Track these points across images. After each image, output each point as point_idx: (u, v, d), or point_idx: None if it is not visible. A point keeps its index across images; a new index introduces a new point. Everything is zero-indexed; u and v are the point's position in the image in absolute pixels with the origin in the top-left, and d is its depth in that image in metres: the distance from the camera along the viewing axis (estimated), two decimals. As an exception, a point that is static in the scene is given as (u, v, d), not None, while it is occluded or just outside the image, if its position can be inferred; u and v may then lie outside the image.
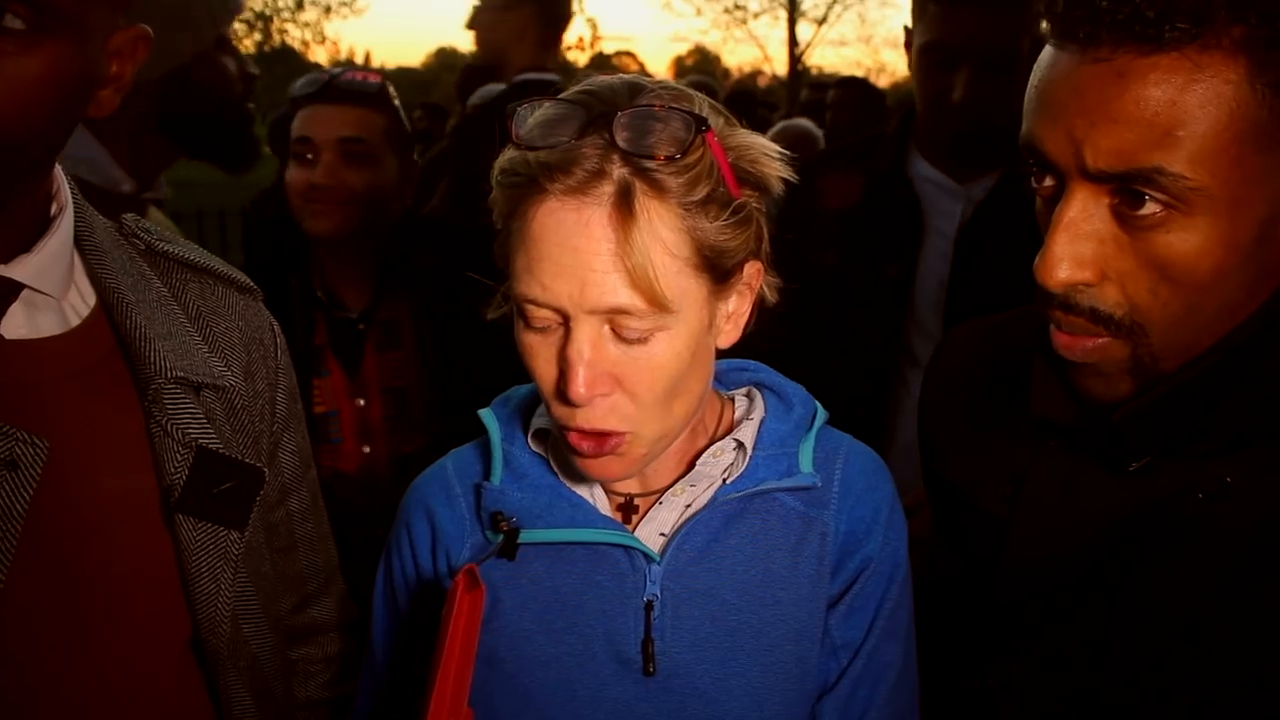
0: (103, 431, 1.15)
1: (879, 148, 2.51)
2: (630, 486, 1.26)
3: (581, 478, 1.24)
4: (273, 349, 1.35)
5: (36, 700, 1.10)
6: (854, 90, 6.14)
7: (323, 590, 1.47)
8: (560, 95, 1.13)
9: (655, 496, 1.25)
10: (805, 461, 1.24)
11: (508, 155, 1.12)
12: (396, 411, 2.36)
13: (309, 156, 2.30)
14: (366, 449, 2.34)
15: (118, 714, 1.15)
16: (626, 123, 1.07)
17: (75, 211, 1.17)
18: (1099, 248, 1.05)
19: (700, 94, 1.15)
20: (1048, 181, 1.08)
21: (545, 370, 1.13)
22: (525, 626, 1.22)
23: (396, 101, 2.42)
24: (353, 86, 2.34)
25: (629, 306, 1.07)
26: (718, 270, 1.12)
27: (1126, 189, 1.01)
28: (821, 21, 29.42)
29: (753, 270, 1.19)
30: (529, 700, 1.21)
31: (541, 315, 1.10)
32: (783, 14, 29.23)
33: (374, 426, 2.34)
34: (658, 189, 1.07)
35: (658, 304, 1.07)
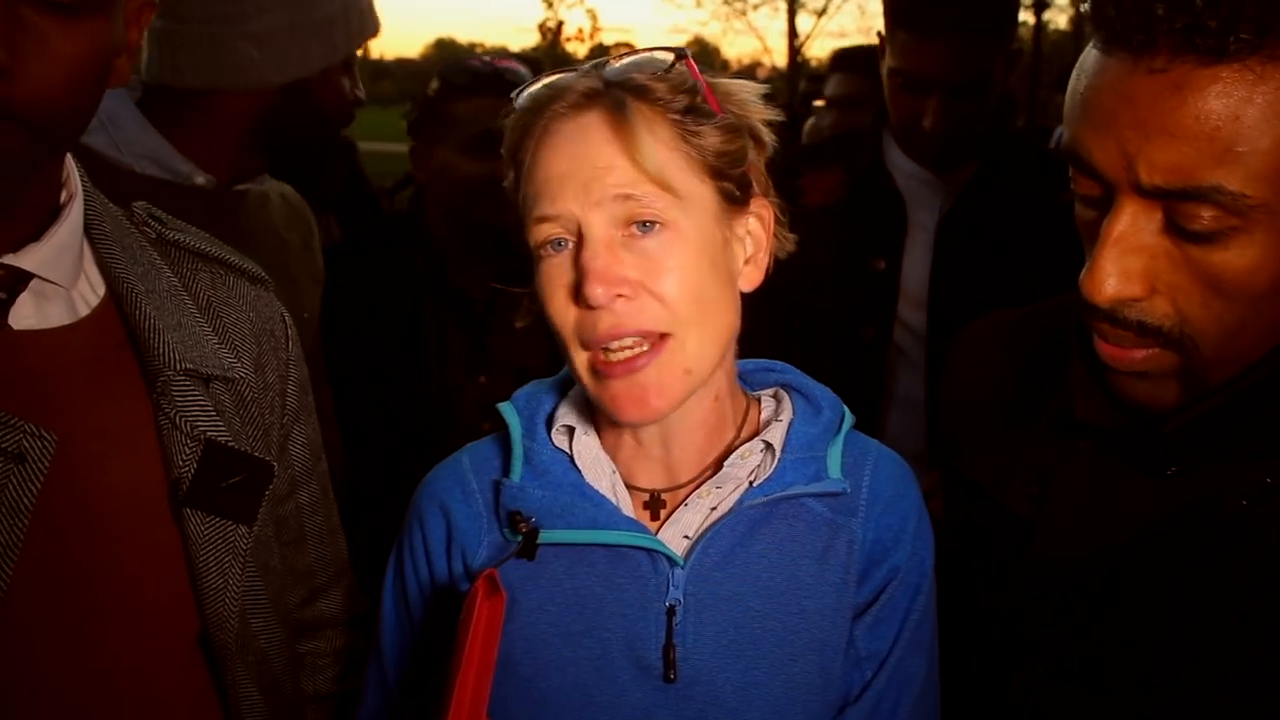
0: (111, 424, 1.13)
1: (857, 143, 2.51)
2: (656, 481, 1.23)
3: (604, 474, 1.22)
4: (284, 340, 1.34)
5: (44, 694, 1.08)
6: (848, 59, 6.05)
7: (332, 583, 1.46)
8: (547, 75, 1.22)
9: (680, 492, 1.23)
10: (834, 466, 1.22)
11: (511, 117, 1.19)
12: None
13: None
14: (486, 426, 2.34)
15: (125, 708, 1.14)
16: (615, 63, 1.17)
17: (85, 199, 1.16)
18: (1149, 262, 1.02)
19: None
20: (1090, 190, 1.05)
21: (564, 294, 1.13)
22: (543, 629, 1.20)
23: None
24: (516, 79, 2.28)
25: (634, 190, 1.11)
26: (723, 178, 1.17)
27: (1180, 204, 0.98)
28: (821, 13, 29.41)
29: (761, 205, 1.22)
30: (545, 705, 1.19)
31: (554, 231, 1.13)
32: (782, 5, 29.23)
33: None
34: (647, 98, 1.14)
35: (662, 183, 1.11)
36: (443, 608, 1.24)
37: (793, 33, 29.04)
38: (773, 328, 2.06)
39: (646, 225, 1.11)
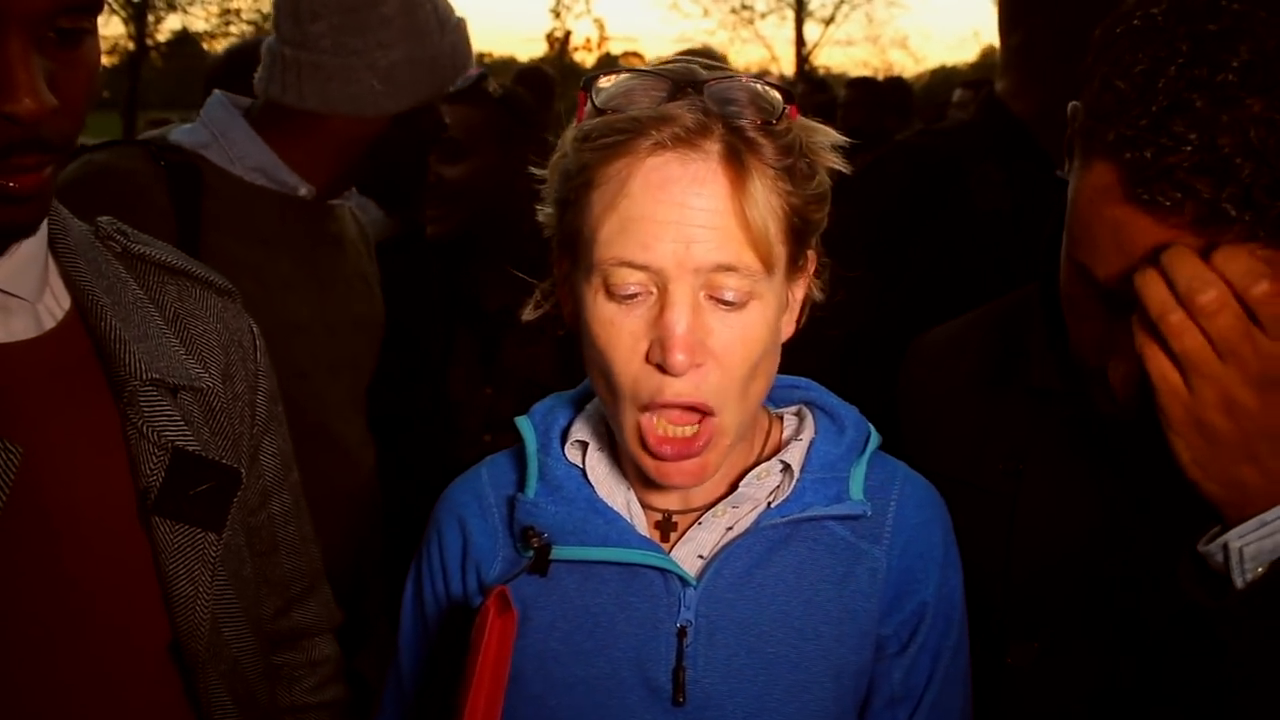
0: (78, 434, 1.14)
1: (1016, 143, 2.28)
2: (670, 502, 1.21)
3: (618, 491, 1.20)
4: (252, 350, 1.35)
5: (14, 704, 1.09)
6: (865, 89, 6.13)
7: (307, 594, 1.46)
8: (634, 69, 1.12)
9: (695, 514, 1.20)
10: (856, 488, 1.18)
11: (589, 122, 1.09)
12: (529, 405, 2.40)
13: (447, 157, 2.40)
14: (488, 438, 2.37)
15: (96, 717, 1.14)
16: (718, 90, 1.06)
17: (49, 214, 1.17)
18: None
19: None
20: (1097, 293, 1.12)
21: (629, 345, 1.07)
22: (553, 646, 1.18)
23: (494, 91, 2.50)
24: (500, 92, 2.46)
25: (738, 264, 1.04)
26: (799, 243, 1.11)
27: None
28: (829, 21, 29.36)
29: (812, 259, 1.17)
30: None
31: (634, 280, 1.05)
32: (790, 14, 29.18)
33: (503, 418, 2.37)
34: (754, 150, 1.06)
35: (768, 263, 1.05)
36: (457, 622, 1.24)
37: (800, 41, 29.03)
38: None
39: (736, 300, 1.07)
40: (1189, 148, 0.98)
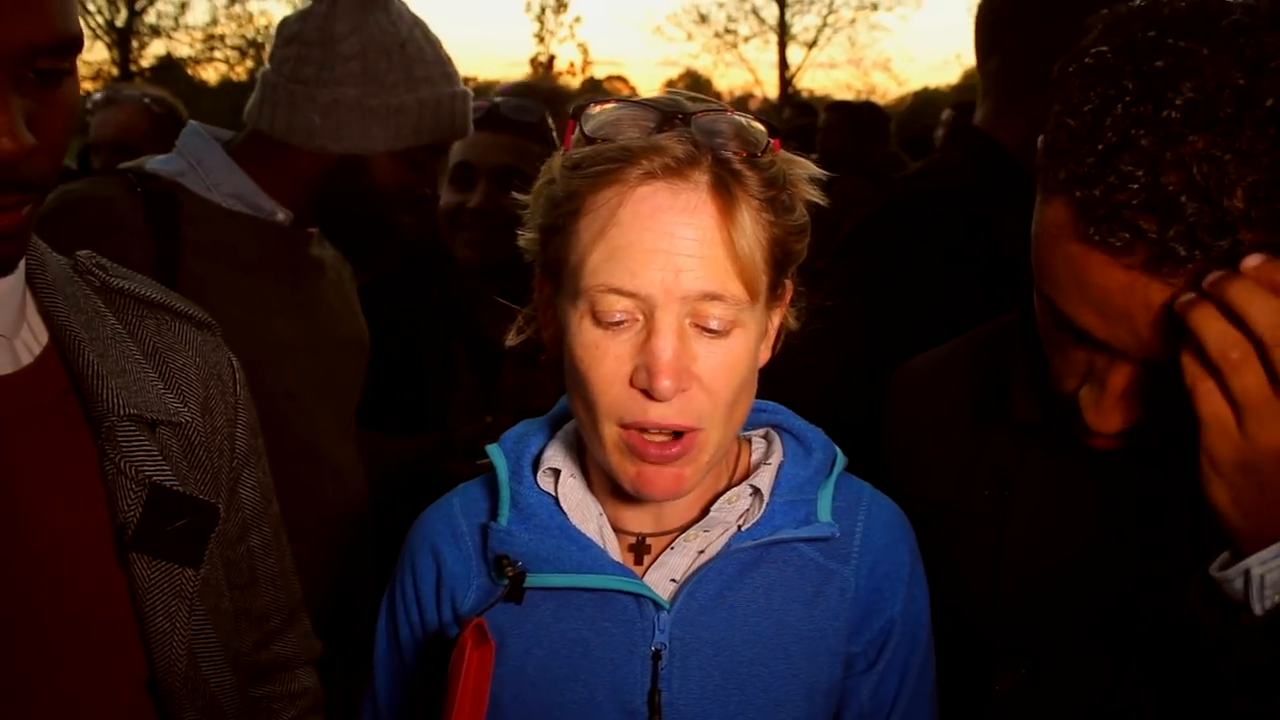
0: (55, 470, 1.14)
1: (1014, 181, 2.35)
2: (644, 525, 1.22)
3: (591, 517, 1.21)
4: (231, 384, 1.35)
5: None
6: (844, 113, 6.16)
7: (286, 626, 1.46)
8: (624, 99, 1.14)
9: (667, 537, 1.21)
10: (824, 510, 1.20)
11: (579, 150, 1.11)
12: None
13: (465, 182, 2.38)
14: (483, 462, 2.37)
15: None
16: (705, 123, 1.08)
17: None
18: (1147, 402, 1.12)
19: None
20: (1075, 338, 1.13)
21: (614, 369, 1.08)
22: (530, 673, 1.19)
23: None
24: (518, 115, 2.43)
25: (724, 293, 1.06)
26: (780, 272, 1.13)
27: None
28: (812, 45, 29.58)
29: (789, 287, 1.19)
30: None
31: (621, 307, 1.07)
32: (773, 38, 29.39)
33: None
34: (740, 182, 1.08)
35: (753, 292, 1.08)
36: (433, 650, 1.24)
37: (784, 64, 29.23)
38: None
39: (720, 328, 1.08)
40: (1135, 185, 0.99)
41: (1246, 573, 1.04)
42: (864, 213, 2.18)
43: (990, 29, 2.20)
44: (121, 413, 1.16)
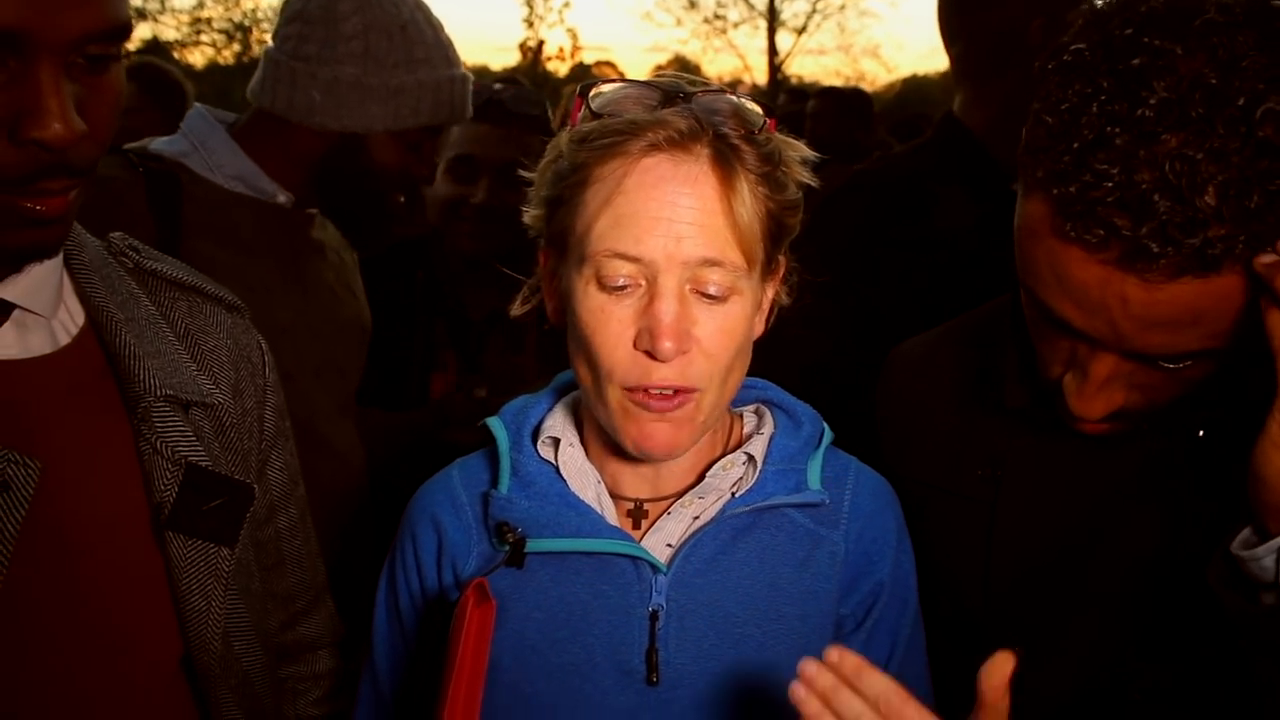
0: (93, 450, 1.15)
1: (972, 164, 2.33)
2: (641, 491, 1.27)
3: (589, 484, 1.25)
4: (261, 366, 1.36)
5: (29, 717, 1.09)
6: (833, 100, 6.17)
7: (311, 608, 1.47)
8: (629, 80, 1.20)
9: (664, 503, 1.25)
10: (814, 478, 1.25)
11: (586, 124, 1.16)
12: None
13: (466, 175, 2.39)
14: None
15: None
16: (705, 102, 1.14)
17: None
18: (1128, 389, 1.15)
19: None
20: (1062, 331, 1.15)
21: (618, 332, 1.13)
22: (530, 636, 1.22)
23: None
24: (522, 109, 2.44)
25: (723, 259, 1.12)
26: (775, 245, 1.19)
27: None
28: (801, 31, 29.47)
29: (783, 263, 1.24)
30: (531, 709, 1.22)
31: (625, 271, 1.12)
32: (762, 24, 29.28)
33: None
34: (739, 156, 1.13)
35: (751, 260, 1.13)
36: (434, 618, 1.26)
37: (773, 50, 29.15)
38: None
39: (719, 294, 1.14)
40: (1110, 183, 1.01)
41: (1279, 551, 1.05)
42: (828, 193, 2.21)
43: (951, 16, 2.25)
44: (158, 393, 1.17)
